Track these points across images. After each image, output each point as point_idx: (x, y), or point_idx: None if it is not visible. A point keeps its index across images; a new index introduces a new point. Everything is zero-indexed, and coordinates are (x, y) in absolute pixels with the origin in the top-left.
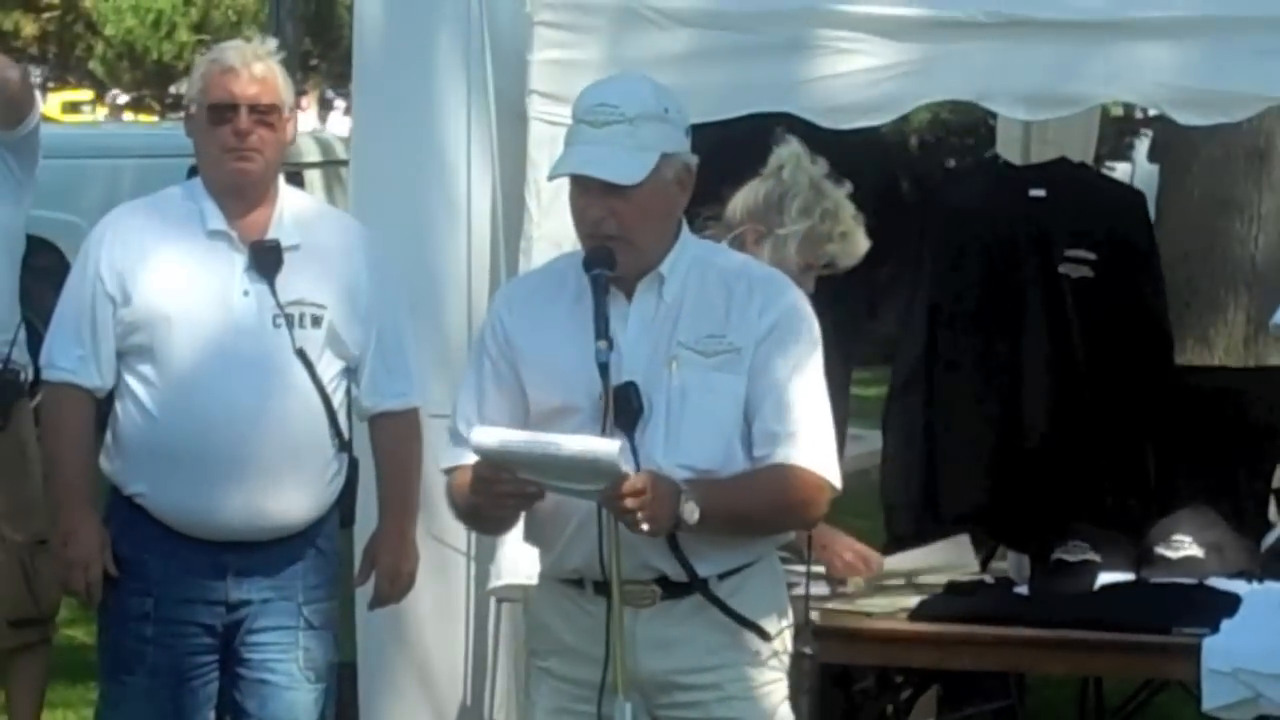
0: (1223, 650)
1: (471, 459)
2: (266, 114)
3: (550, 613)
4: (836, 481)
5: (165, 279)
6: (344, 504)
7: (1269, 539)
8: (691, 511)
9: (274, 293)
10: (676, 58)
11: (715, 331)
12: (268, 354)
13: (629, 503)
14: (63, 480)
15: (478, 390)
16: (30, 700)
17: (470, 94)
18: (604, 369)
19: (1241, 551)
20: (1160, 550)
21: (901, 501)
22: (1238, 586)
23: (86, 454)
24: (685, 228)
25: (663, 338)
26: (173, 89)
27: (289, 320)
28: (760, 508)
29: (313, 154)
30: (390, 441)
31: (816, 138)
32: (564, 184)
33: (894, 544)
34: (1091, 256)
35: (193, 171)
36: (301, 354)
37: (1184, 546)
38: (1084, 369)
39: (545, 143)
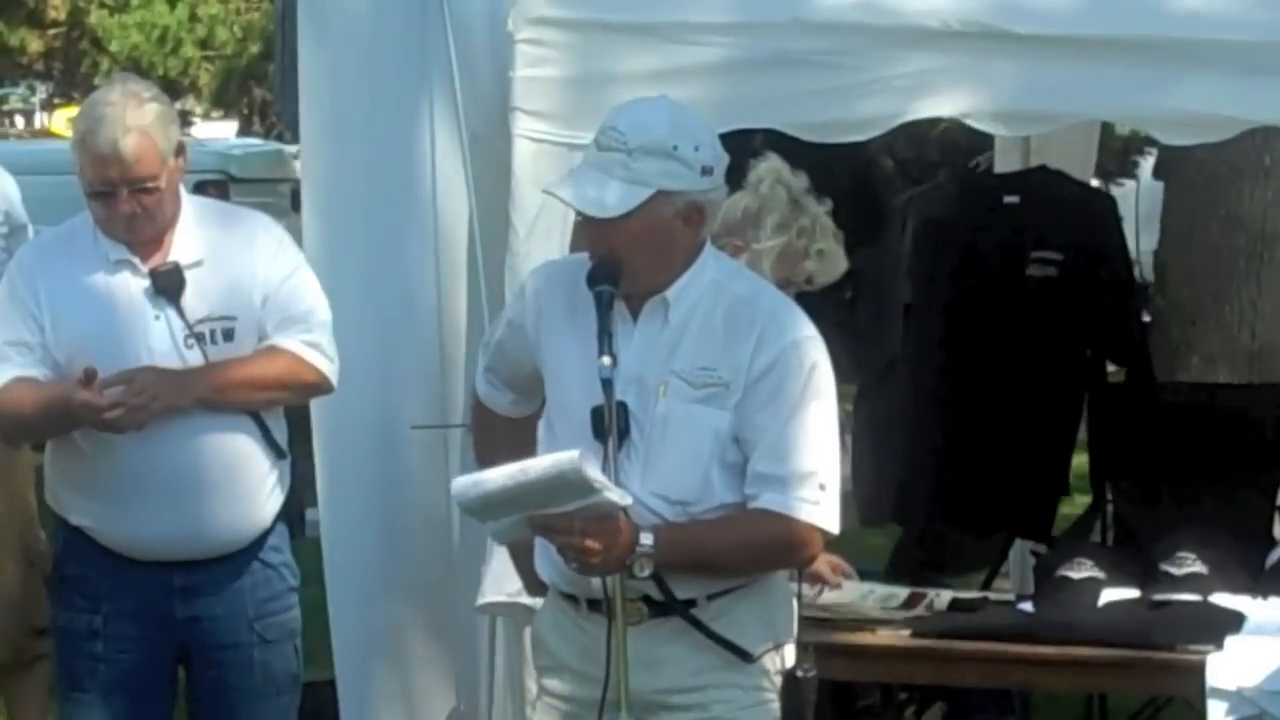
0: (1227, 668)
1: (488, 395)
2: (146, 184)
3: (549, 629)
4: (831, 526)
5: (78, 313)
6: (290, 513)
7: (1274, 556)
8: (642, 568)
9: (182, 314)
10: (657, 73)
11: (709, 364)
12: None
13: (575, 540)
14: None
15: (497, 342)
16: (37, 711)
17: (433, 109)
18: (607, 385)
19: (1246, 569)
20: (1165, 567)
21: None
22: (1242, 604)
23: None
24: (708, 251)
25: (660, 362)
26: (179, 105)
27: (199, 339)
28: (732, 554)
29: None
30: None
31: (798, 145)
32: (548, 199)
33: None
34: (1058, 257)
35: (199, 188)
36: None
37: (1188, 564)
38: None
39: (529, 159)
